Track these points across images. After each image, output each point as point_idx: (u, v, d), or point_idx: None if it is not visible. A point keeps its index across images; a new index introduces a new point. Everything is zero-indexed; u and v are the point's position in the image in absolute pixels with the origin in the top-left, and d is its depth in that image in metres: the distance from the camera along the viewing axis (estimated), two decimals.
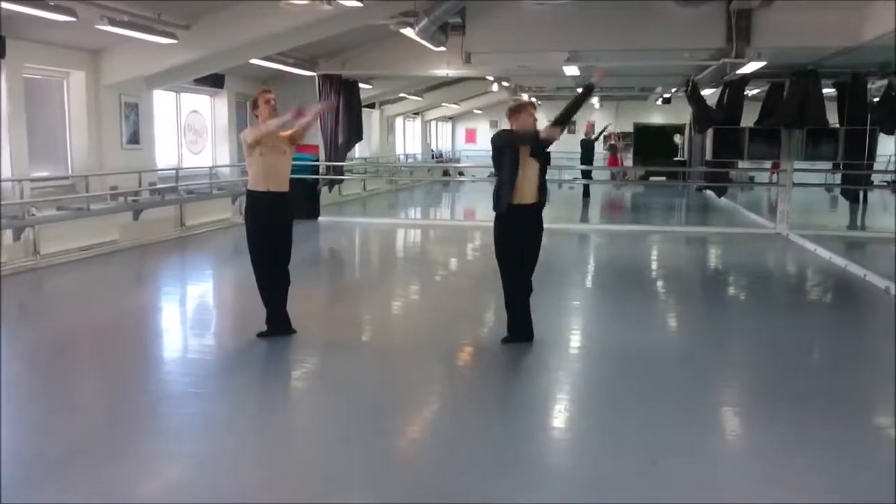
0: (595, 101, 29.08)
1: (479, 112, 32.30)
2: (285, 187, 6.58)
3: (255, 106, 6.59)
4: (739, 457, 4.48)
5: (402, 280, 10.28)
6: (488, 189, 21.46)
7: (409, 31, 11.78)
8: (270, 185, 6.45)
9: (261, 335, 6.56)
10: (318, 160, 15.70)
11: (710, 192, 22.73)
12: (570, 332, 7.30)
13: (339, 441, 4.55)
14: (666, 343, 7.01)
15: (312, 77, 15.00)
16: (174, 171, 12.60)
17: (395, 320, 7.97)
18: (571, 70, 13.07)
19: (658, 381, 5.69)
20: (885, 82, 13.83)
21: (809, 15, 10.07)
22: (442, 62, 14.54)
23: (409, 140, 28.10)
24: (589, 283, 10.08)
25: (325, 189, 16.12)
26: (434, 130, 31.76)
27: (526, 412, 5.08)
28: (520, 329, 6.43)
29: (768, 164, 19.46)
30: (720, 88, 14.33)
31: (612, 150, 28.07)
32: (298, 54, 14.07)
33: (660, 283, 10.30)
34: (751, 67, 11.29)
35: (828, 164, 14.82)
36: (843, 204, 18.40)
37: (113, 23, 9.06)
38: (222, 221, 14.16)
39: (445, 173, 28.49)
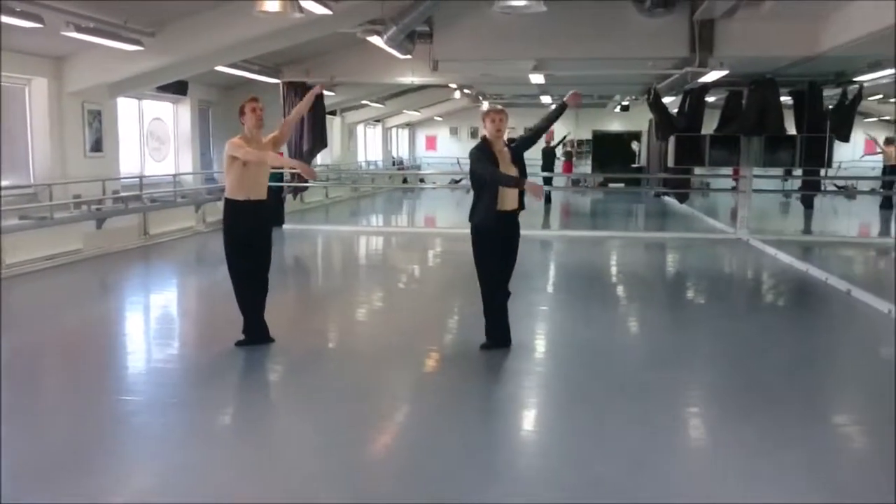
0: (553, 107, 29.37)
1: (439, 119, 32.41)
2: (264, 195, 6.56)
3: (241, 113, 6.57)
4: (721, 454, 4.58)
5: (371, 287, 10.27)
6: (449, 196, 21.66)
7: (375, 39, 11.84)
8: (251, 194, 6.42)
9: (239, 344, 6.51)
10: (282, 168, 15.59)
11: (668, 198, 23.27)
12: (546, 337, 7.40)
13: (318, 448, 4.58)
14: (644, 346, 7.13)
15: (277, 84, 14.93)
16: (138, 179, 12.44)
17: (367, 327, 7.95)
18: (537, 78, 13.20)
19: (636, 383, 5.79)
20: (838, 91, 14.25)
21: (769, 25, 10.33)
22: (407, 69, 14.59)
23: (369, 147, 28.08)
24: (559, 289, 10.19)
25: (289, 197, 16.03)
26: (395, 137, 31.78)
27: (506, 416, 5.14)
28: (498, 335, 6.49)
29: (725, 171, 19.85)
30: (681, 96, 14.58)
31: (568, 156, 28.40)
32: (262, 62, 14.00)
33: (630, 289, 10.44)
34: (713, 76, 11.54)
35: (785, 170, 15.16)
36: (796, 209, 18.94)
37: (79, 29, 8.95)
38: (186, 230, 14.03)
39: (405, 180, 28.57)
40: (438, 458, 4.40)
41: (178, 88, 13.53)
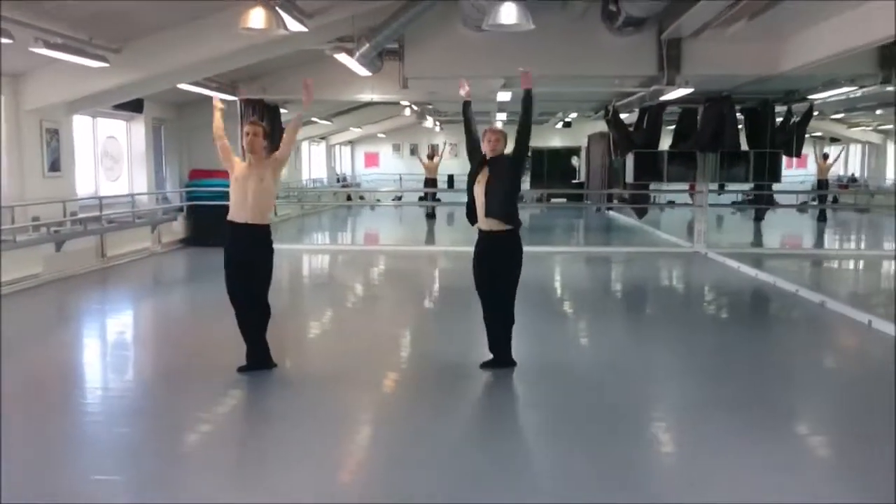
0: (498, 125, 29.61)
1: (382, 136, 32.32)
2: (257, 219, 6.37)
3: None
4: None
5: (338, 306, 10.07)
6: (392, 213, 21.64)
7: (343, 57, 11.76)
8: (236, 216, 6.34)
9: (241, 370, 6.33)
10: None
11: (612, 213, 23.71)
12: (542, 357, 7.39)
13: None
14: (636, 360, 7.18)
15: (234, 101, 14.65)
16: (97, 200, 12.03)
17: (341, 347, 7.70)
18: (504, 95, 13.29)
19: (625, 398, 5.87)
20: (784, 108, 14.75)
21: (734, 45, 10.60)
22: (366, 87, 14.52)
23: (313, 164, 27.79)
24: (544, 305, 10.23)
25: None
26: (338, 154, 31.54)
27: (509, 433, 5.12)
28: (497, 354, 6.45)
29: (672, 186, 20.31)
30: (637, 113, 14.86)
31: None
32: (219, 78, 13.70)
33: (608, 303, 10.58)
34: (678, 94, 11.79)
35: (741, 185, 15.61)
36: (742, 222, 19.53)
37: (47, 45, 8.61)
38: (142, 251, 13.61)
39: (349, 198, 28.42)
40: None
41: (134, 106, 13.13)
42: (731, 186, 17.79)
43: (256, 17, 7.97)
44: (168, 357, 7.30)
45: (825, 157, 21.09)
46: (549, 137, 32.43)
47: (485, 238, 6.34)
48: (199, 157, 15.74)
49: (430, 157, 23.46)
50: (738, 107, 14.27)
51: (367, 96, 14.94)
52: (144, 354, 7.76)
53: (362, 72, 12.64)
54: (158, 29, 10.15)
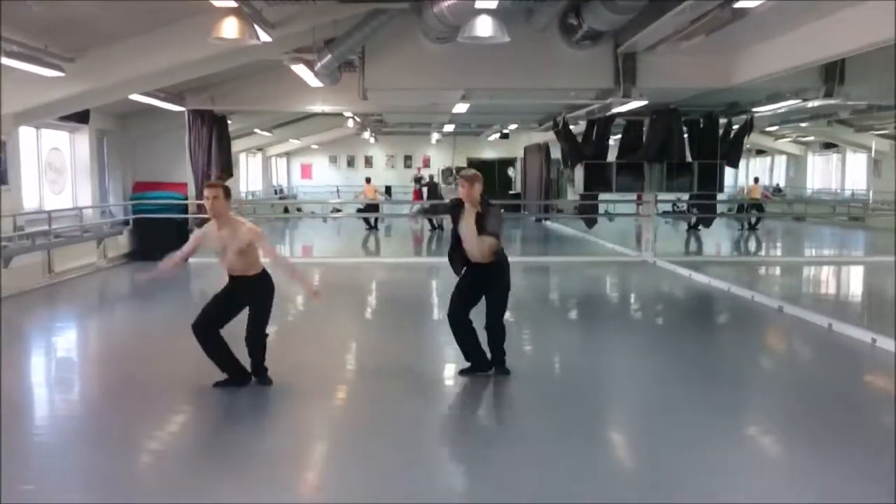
0: (434, 136, 29.76)
1: (316, 147, 32.07)
2: (248, 271, 6.30)
3: None
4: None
5: (300, 319, 9.99)
6: (330, 226, 21.51)
7: (300, 68, 11.68)
8: (227, 270, 6.33)
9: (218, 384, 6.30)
10: (186, 199, 15.00)
11: (549, 223, 24.09)
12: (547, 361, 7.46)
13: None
14: (613, 364, 7.33)
15: (181, 112, 14.35)
16: (46, 214, 11.61)
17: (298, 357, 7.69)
18: (461, 107, 13.38)
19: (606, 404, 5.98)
20: (725, 120, 15.24)
21: (688, 59, 10.90)
22: (318, 98, 14.44)
23: (251, 176, 27.41)
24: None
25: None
26: (274, 166, 31.14)
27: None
28: (478, 364, 6.65)
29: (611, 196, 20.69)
30: (585, 125, 15.13)
31: (418, 183, 28.97)
32: (167, 88, 13.41)
33: (573, 310, 10.74)
34: (632, 106, 12.07)
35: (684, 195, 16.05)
36: (674, 231, 20.08)
37: (6, 54, 8.30)
38: (88, 266, 13.18)
39: (286, 210, 28.09)
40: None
41: (79, 116, 12.71)
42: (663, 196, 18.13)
43: (230, 28, 7.86)
44: (138, 374, 7.03)
45: (756, 180, 22.27)
46: (484, 149, 32.72)
47: (476, 266, 6.52)
48: (142, 169, 15.38)
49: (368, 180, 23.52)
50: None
51: (318, 107, 14.84)
52: (112, 374, 7.41)
53: (315, 83, 12.59)
54: (115, 38, 9.90)
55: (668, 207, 19.39)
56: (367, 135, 27.94)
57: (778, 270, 14.77)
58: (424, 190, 23.82)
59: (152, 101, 13.02)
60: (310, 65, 11.33)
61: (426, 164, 33.80)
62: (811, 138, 27.13)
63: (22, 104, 10.25)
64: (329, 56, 10.53)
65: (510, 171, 33.49)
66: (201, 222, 15.74)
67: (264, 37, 9.31)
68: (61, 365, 7.95)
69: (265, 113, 17.35)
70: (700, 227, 19.40)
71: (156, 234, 14.60)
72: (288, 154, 32.19)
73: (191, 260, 14.67)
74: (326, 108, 14.93)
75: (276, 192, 29.87)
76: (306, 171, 33.62)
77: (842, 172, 26.89)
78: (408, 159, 33.61)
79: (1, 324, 8.50)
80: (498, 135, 27.54)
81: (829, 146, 27.51)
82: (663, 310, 11.06)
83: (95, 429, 5.60)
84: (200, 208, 15.12)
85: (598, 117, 14.43)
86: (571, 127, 15.91)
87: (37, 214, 11.60)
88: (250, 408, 6.03)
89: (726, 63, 10.97)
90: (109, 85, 10.28)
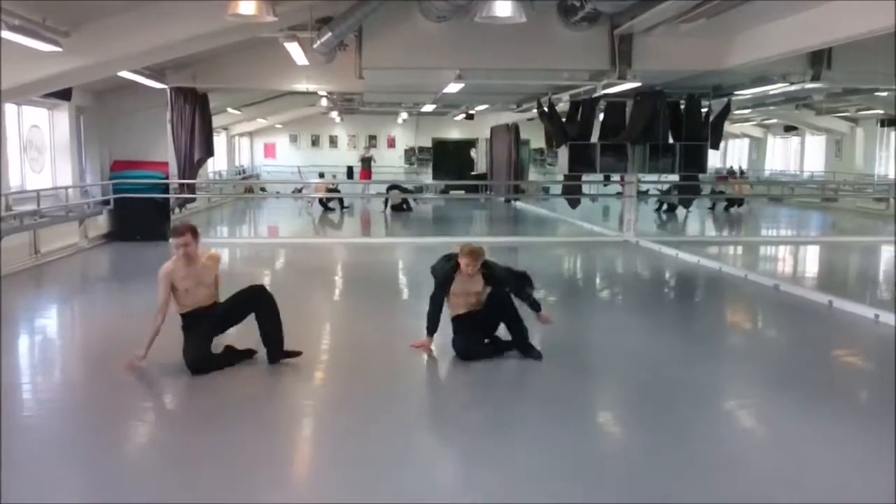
0: (402, 116, 29.62)
1: (279, 127, 31.69)
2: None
3: None
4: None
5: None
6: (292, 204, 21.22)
7: (293, 46, 11.55)
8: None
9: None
10: (167, 178, 14.71)
11: (519, 203, 24.26)
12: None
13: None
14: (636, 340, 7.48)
15: (163, 90, 14.05)
16: (35, 193, 11.31)
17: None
18: (455, 87, 13.36)
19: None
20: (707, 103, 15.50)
21: (684, 42, 11.04)
22: (302, 77, 14.28)
23: (215, 156, 26.91)
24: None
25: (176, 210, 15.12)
26: (237, 146, 30.68)
27: None
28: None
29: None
30: (569, 106, 15.24)
31: (365, 163, 28.95)
32: (150, 65, 13.11)
33: (575, 291, 10.87)
34: (625, 87, 12.20)
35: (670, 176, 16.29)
36: (646, 211, 20.35)
37: (8, 27, 8.02)
38: (70, 247, 12.89)
39: (249, 190, 27.76)
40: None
41: (62, 93, 12.35)
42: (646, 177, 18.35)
43: (247, 5, 7.74)
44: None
45: (742, 173, 22.34)
46: (448, 129, 32.72)
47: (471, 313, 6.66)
48: (120, 147, 14.99)
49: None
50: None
51: (302, 86, 14.67)
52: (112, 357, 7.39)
53: (301, 61, 12.48)
54: (110, 13, 9.61)
55: (651, 188, 19.64)
56: (334, 114, 27.73)
57: (762, 250, 15.09)
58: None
59: (135, 77, 12.69)
60: (303, 43, 11.23)
61: (391, 144, 33.71)
62: (774, 121, 27.71)
63: (13, 80, 9.90)
64: (329, 35, 10.41)
65: (472, 153, 33.55)
66: (183, 203, 15.60)
67: (270, 17, 9.19)
68: (69, 348, 7.79)
69: (246, 91, 17.09)
70: (668, 208, 19.73)
71: (136, 214, 14.34)
72: (251, 133, 31.75)
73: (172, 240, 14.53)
74: (311, 87, 14.77)
75: (239, 173, 29.44)
76: (269, 151, 33.21)
77: (801, 155, 27.55)
78: (371, 139, 33.42)
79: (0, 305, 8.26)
80: (463, 115, 27.52)
81: (788, 129, 28.16)
82: (666, 289, 11.22)
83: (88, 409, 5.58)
84: (182, 188, 14.93)
85: (584, 98, 14.56)
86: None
87: (23, 194, 11.28)
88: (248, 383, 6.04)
89: (721, 46, 11.09)
90: (103, 61, 9.95)
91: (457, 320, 6.70)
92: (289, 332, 6.40)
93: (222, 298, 6.45)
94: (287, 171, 31.27)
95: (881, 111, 20.71)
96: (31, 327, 8.39)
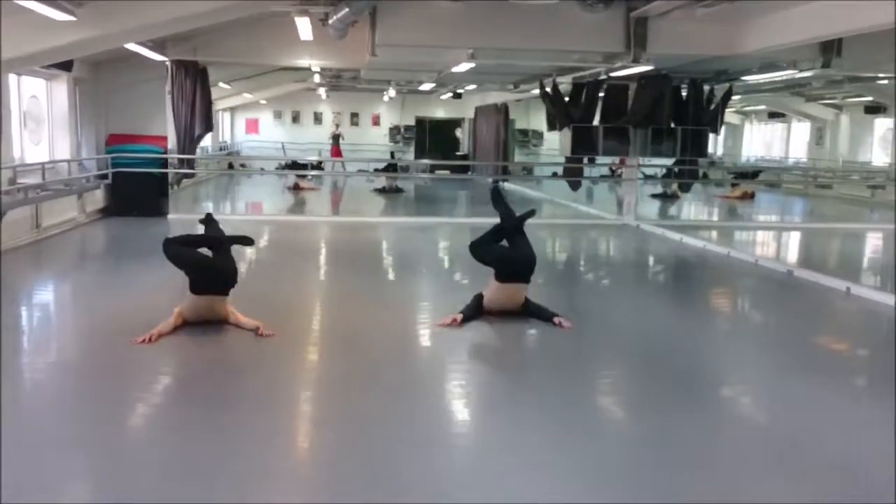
0: (389, 94, 29.29)
1: (263, 102, 31.27)
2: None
3: None
4: None
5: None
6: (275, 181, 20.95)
7: (304, 21, 11.38)
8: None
9: None
10: (166, 152, 14.45)
11: (508, 185, 24.21)
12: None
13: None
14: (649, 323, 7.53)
15: (162, 62, 13.76)
16: (40, 166, 11.06)
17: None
18: (463, 67, 13.26)
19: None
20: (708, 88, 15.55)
21: (699, 26, 11.04)
22: (304, 52, 14.09)
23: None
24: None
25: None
26: (220, 121, 30.22)
27: None
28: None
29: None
30: (572, 88, 15.20)
31: (336, 140, 28.75)
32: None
33: (587, 272, 10.91)
34: (636, 70, 12.20)
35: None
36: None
37: None
38: (70, 221, 12.63)
39: (230, 166, 27.48)
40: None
41: (62, 63, 12.03)
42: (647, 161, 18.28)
43: None
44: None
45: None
46: (433, 108, 32.53)
47: None
48: (116, 120, 14.67)
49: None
50: None
51: (305, 62, 14.48)
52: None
53: (306, 37, 12.31)
54: None
55: (653, 172, 19.65)
56: (321, 91, 27.41)
57: (768, 236, 15.23)
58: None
59: (138, 49, 12.39)
60: (313, 18, 11.07)
61: (375, 122, 33.45)
62: (753, 108, 27.90)
63: (21, 50, 9.62)
64: (346, 10, 10.25)
65: (457, 132, 33.43)
66: (181, 178, 15.36)
67: None
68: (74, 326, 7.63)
69: (246, 66, 16.81)
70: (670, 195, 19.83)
71: (133, 188, 14.08)
72: (233, 109, 31.29)
73: (170, 216, 14.35)
74: (315, 63, 14.57)
75: (222, 149, 29.04)
76: (252, 127, 32.76)
77: (786, 141, 27.81)
78: (354, 116, 33.12)
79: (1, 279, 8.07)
80: (451, 94, 27.32)
81: (772, 115, 28.39)
82: (679, 273, 11.26)
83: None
84: (182, 163, 14.68)
85: (588, 81, 14.54)
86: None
87: (28, 166, 11.02)
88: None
89: (737, 31, 11.09)
90: (120, 31, 9.71)
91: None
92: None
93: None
94: (271, 147, 30.92)
95: (870, 98, 20.90)
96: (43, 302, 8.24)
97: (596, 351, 6.56)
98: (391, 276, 10.57)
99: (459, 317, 6.81)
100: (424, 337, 6.81)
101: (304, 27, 11.77)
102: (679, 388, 5.54)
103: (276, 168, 25.08)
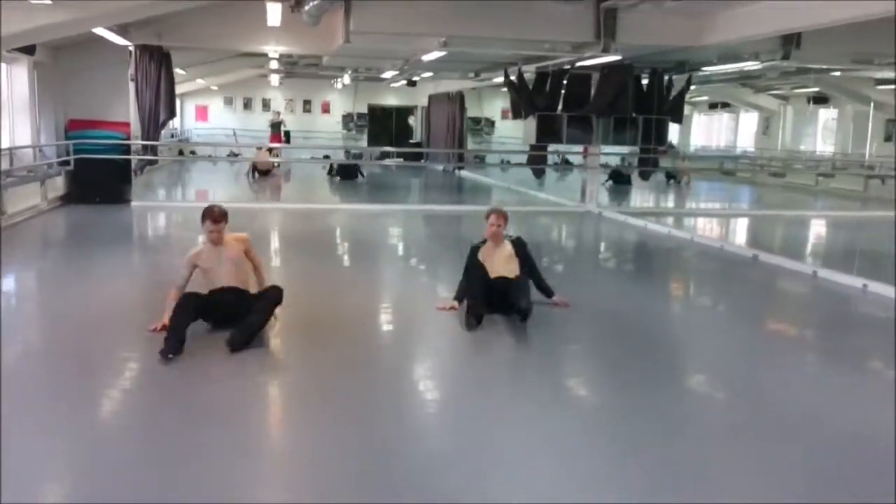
0: (342, 81, 29.11)
1: (214, 89, 30.80)
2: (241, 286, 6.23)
3: None
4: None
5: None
6: (227, 169, 20.87)
7: (274, 6, 11.37)
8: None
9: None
10: (128, 138, 14.22)
11: (464, 172, 24.47)
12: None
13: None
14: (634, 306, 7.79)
15: (125, 47, 13.50)
16: (8, 152, 10.81)
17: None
18: (436, 55, 13.34)
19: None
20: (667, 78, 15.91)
21: (667, 18, 11.35)
22: (271, 38, 14.02)
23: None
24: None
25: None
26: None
27: None
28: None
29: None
30: (535, 77, 15.41)
31: (275, 128, 28.67)
32: None
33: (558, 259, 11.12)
34: (603, 60, 12.47)
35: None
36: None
37: None
38: (32, 209, 12.38)
39: (181, 153, 27.07)
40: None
41: (25, 46, 11.76)
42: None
43: None
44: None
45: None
46: (385, 96, 32.46)
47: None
48: (76, 106, 14.37)
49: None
50: None
51: (271, 48, 14.39)
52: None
53: (273, 22, 12.26)
54: None
55: (617, 160, 19.96)
56: (274, 78, 27.15)
57: (726, 222, 15.68)
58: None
59: (103, 33, 12.16)
60: (285, 4, 11.08)
61: (325, 109, 33.24)
62: (699, 98, 28.54)
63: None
64: None
65: (410, 120, 33.47)
66: (145, 164, 15.13)
67: None
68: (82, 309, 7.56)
69: (210, 51, 16.60)
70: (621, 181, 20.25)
71: (95, 175, 13.84)
72: (182, 95, 30.71)
73: (133, 203, 14.13)
74: (281, 49, 14.48)
75: (172, 136, 28.52)
76: (202, 114, 32.25)
77: (735, 132, 28.55)
78: (307, 104, 32.87)
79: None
80: (405, 82, 27.31)
81: (713, 106, 29.11)
82: (651, 258, 11.56)
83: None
84: (145, 149, 14.47)
85: (553, 70, 14.77)
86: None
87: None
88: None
89: (703, 23, 11.43)
90: (95, 14, 9.63)
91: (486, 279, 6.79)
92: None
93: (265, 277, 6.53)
94: (221, 134, 30.52)
95: (815, 90, 21.62)
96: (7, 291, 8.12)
97: (590, 332, 6.75)
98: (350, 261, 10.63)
99: (455, 304, 6.91)
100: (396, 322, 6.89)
101: (273, 13, 11.74)
102: (668, 367, 5.78)
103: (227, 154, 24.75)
